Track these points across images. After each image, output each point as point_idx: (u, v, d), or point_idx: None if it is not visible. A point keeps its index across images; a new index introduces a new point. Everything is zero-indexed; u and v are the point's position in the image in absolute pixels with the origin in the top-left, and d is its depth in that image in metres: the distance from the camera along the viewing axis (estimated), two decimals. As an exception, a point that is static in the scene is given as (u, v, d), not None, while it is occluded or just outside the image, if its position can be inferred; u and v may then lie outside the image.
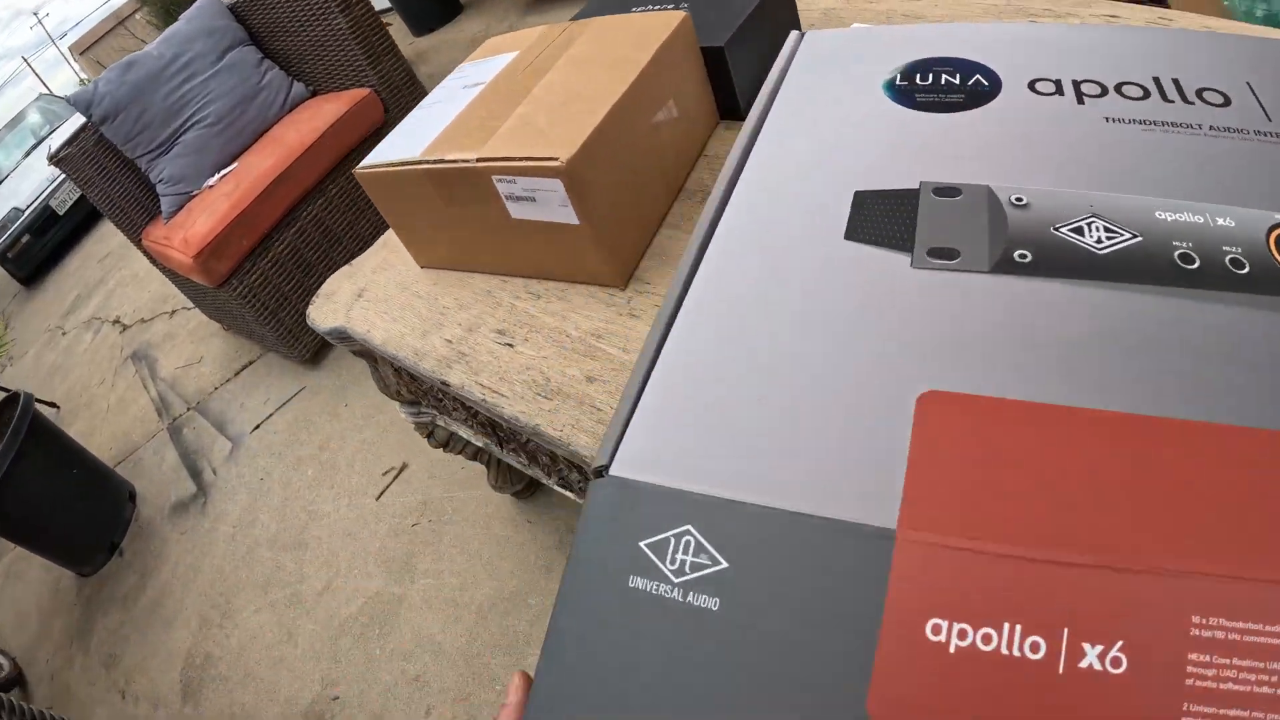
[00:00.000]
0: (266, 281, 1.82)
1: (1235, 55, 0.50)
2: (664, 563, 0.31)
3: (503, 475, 1.36)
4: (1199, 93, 0.46)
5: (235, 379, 2.15)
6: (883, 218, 0.43)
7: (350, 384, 1.91)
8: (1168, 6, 1.30)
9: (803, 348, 0.38)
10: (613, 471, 0.35)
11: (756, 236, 0.44)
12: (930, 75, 0.52)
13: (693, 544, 0.31)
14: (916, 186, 0.44)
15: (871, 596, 0.29)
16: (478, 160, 0.65)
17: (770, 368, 0.37)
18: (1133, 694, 0.25)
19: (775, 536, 0.31)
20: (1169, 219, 0.39)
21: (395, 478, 1.62)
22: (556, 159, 0.61)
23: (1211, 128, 0.44)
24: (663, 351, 0.39)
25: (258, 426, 1.95)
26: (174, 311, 2.73)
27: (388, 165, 0.72)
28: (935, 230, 0.41)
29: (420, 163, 0.69)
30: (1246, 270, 0.36)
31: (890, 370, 0.35)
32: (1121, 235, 0.39)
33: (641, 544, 0.32)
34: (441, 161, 0.67)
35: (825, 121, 0.51)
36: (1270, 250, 0.37)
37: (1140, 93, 0.47)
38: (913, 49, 0.55)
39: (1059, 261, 0.38)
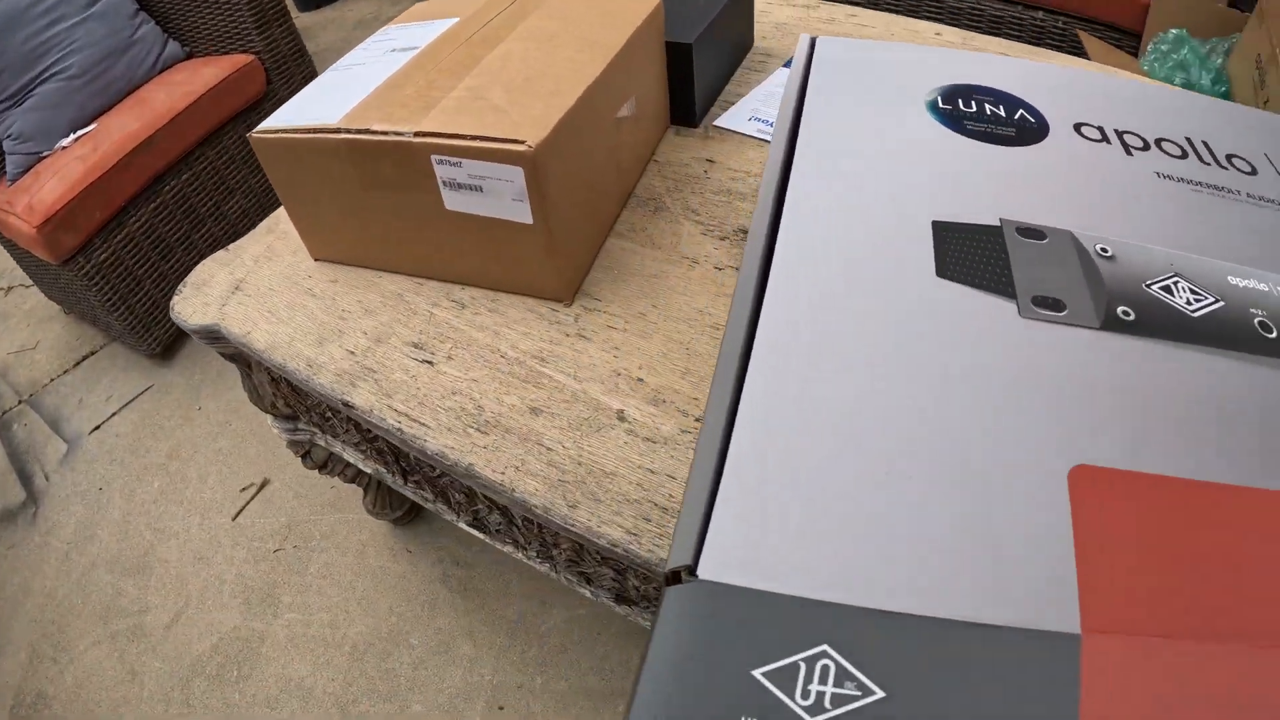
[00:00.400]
0: (118, 262, 1.61)
1: (1249, 126, 0.51)
2: (792, 697, 0.24)
3: (382, 499, 1.23)
4: (1229, 158, 0.47)
5: (74, 370, 1.90)
6: (971, 255, 0.40)
7: (205, 384, 1.71)
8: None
9: (922, 410, 0.32)
10: (702, 575, 0.27)
11: (830, 269, 0.39)
12: (973, 103, 0.51)
13: (833, 670, 0.25)
14: (995, 223, 0.41)
15: (1064, 713, 0.25)
16: (415, 135, 0.53)
17: (884, 435, 0.31)
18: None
19: (938, 653, 0.26)
20: (1241, 284, 0.39)
21: (255, 495, 1.45)
22: (522, 142, 0.50)
23: (1249, 195, 0.45)
24: (739, 417, 0.32)
25: (98, 427, 1.72)
26: (9, 289, 2.42)
27: (295, 131, 0.59)
28: (1032, 276, 0.38)
29: (339, 131, 0.56)
30: (1314, 342, 0.36)
31: (1030, 440, 0.31)
32: (1206, 298, 0.38)
33: (756, 673, 0.25)
34: (368, 132, 0.55)
35: (871, 140, 0.48)
36: (1330, 324, 0.36)
37: (1179, 151, 0.48)
38: (941, 71, 0.54)
39: (1159, 322, 0.37)
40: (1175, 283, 0.38)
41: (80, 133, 1.65)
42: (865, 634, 0.26)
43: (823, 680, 0.24)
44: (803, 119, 0.49)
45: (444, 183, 0.55)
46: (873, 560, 0.27)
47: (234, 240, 0.80)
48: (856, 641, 0.25)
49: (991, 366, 0.34)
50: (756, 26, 0.99)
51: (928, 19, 1.78)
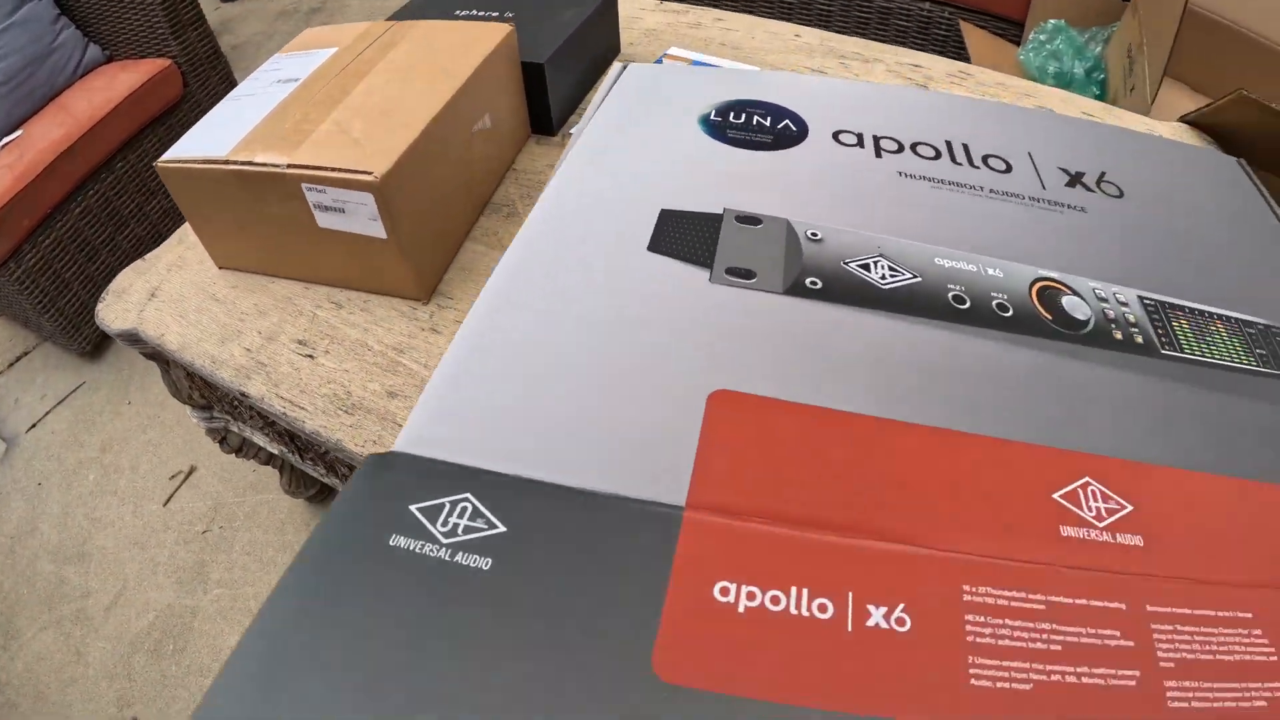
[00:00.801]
0: (47, 266, 1.64)
1: (1023, 126, 0.56)
2: (434, 525, 0.30)
3: (296, 480, 1.32)
4: (984, 158, 0.52)
5: (8, 371, 1.94)
6: (686, 236, 0.46)
7: (133, 379, 1.78)
8: (969, 60, 1.39)
9: (600, 345, 0.39)
10: (395, 448, 0.34)
11: (561, 241, 0.46)
12: (744, 115, 0.56)
13: (470, 509, 0.31)
14: (720, 212, 0.47)
15: (658, 561, 0.29)
16: (289, 166, 0.63)
17: (566, 362, 0.39)
18: (920, 648, 0.27)
19: (559, 509, 0.31)
20: (946, 265, 0.44)
21: (183, 481, 1.53)
22: (370, 173, 0.60)
23: (991, 190, 0.50)
24: (454, 341, 0.40)
25: (34, 425, 1.76)
26: (-60, 295, 2.43)
27: (193, 161, 0.68)
28: (735, 252, 0.44)
29: (228, 163, 0.66)
30: (1010, 314, 0.41)
31: (684, 370, 0.38)
32: (903, 275, 0.43)
33: (412, 507, 0.31)
34: (251, 164, 0.65)
35: (639, 145, 0.53)
36: (1031, 299, 0.42)
37: (932, 153, 0.53)
38: (731, 90, 0.58)
39: (846, 291, 0.42)
40: (876, 261, 0.44)
41: (7, 139, 1.67)
42: (502, 490, 0.32)
43: (460, 516, 0.31)
44: (588, 127, 0.55)
45: (314, 205, 0.65)
46: (525, 443, 0.34)
47: (157, 239, 0.88)
48: (494, 495, 0.32)
49: (671, 315, 0.40)
50: (626, 33, 1.06)
51: (819, 9, 1.81)
